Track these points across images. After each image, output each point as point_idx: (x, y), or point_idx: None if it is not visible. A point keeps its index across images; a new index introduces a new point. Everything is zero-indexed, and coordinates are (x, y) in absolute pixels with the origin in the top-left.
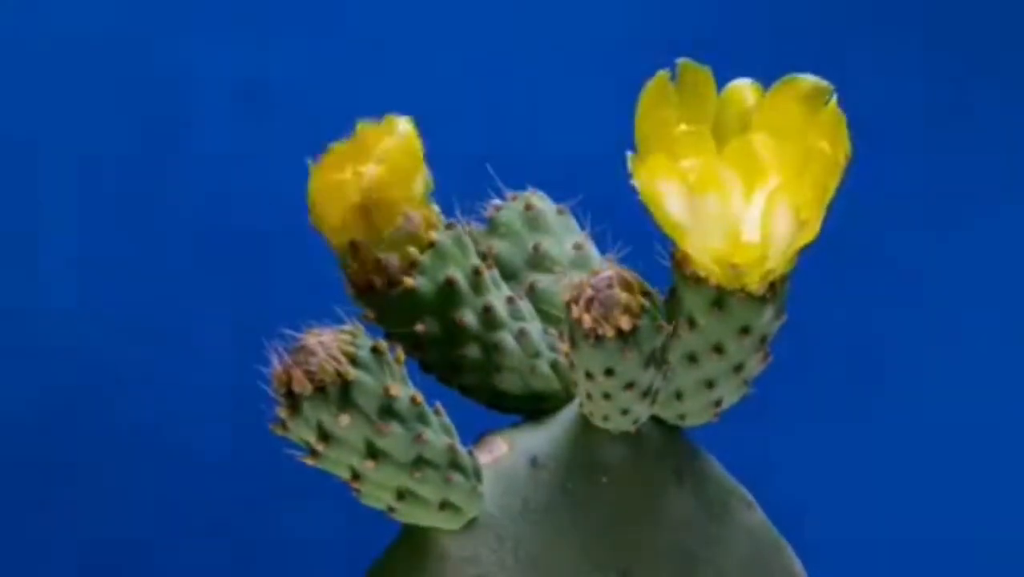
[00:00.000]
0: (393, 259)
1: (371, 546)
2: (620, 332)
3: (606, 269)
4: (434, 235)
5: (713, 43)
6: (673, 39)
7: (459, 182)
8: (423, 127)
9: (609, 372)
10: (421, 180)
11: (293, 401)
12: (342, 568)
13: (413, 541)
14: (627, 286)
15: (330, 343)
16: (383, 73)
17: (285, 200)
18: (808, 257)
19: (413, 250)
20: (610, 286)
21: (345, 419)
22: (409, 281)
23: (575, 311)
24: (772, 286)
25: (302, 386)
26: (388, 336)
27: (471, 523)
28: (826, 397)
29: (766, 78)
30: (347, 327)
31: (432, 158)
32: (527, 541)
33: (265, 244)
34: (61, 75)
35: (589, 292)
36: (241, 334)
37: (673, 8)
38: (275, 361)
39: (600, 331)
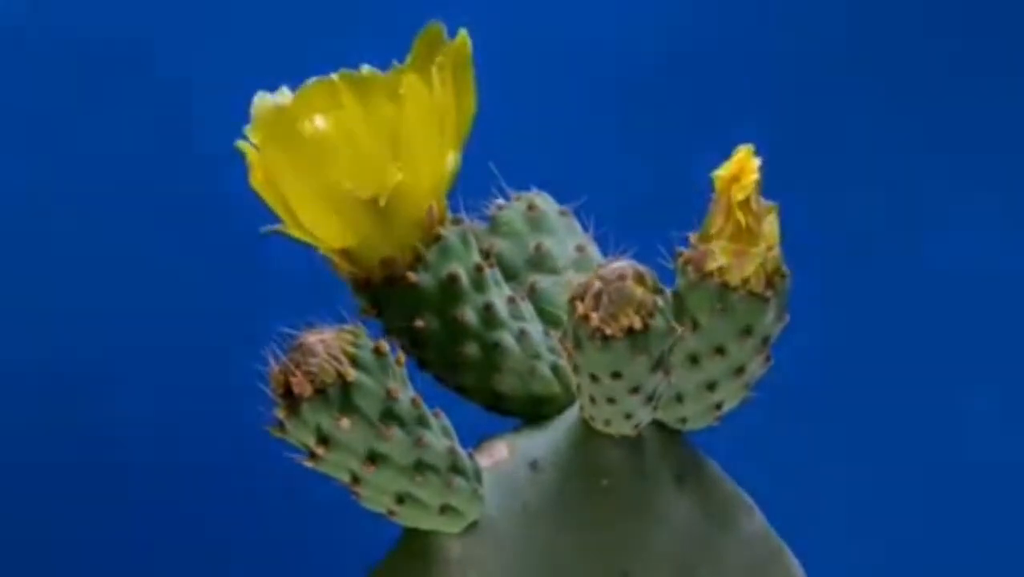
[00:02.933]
0: (398, 257)
1: (372, 549)
2: (631, 331)
3: (616, 260)
4: (440, 229)
5: (714, 47)
6: (679, 41)
7: (463, 181)
8: None
9: (616, 375)
10: (456, 155)
11: (292, 403)
12: (343, 571)
13: (414, 544)
14: (640, 279)
15: (331, 342)
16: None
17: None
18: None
19: (419, 245)
20: (621, 278)
21: (346, 423)
22: (412, 276)
23: (580, 307)
24: (772, 284)
25: (301, 387)
26: (386, 331)
27: (472, 526)
28: (828, 399)
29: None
30: (348, 326)
31: None
32: (527, 544)
33: (264, 240)
34: (63, 75)
35: (597, 285)
36: (240, 333)
37: (680, 11)
38: (273, 361)
39: (608, 331)
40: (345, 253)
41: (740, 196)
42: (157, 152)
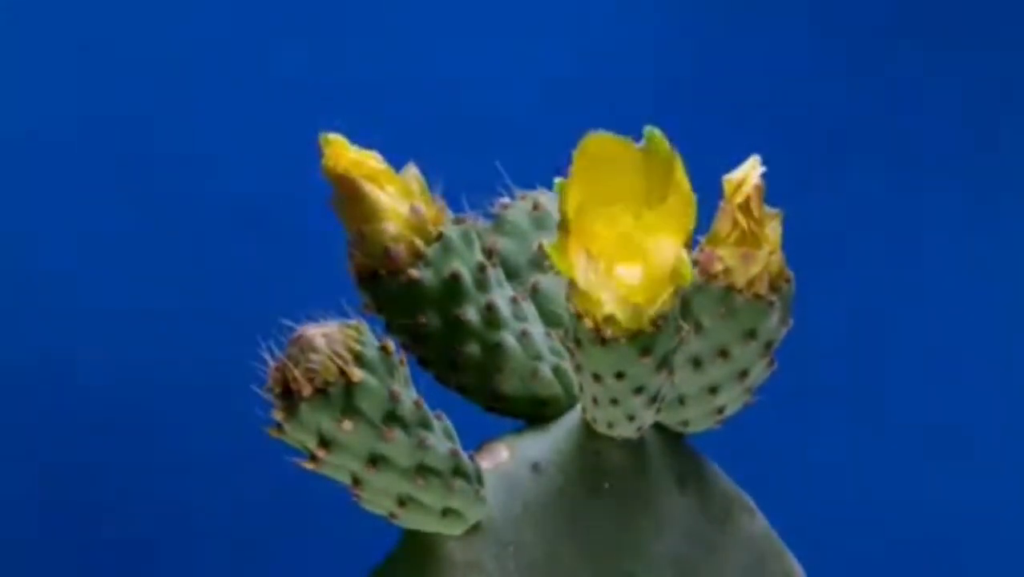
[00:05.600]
0: (400, 250)
1: (372, 551)
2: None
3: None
4: (442, 228)
5: (720, 49)
6: (686, 43)
7: (468, 180)
8: (433, 126)
9: (620, 375)
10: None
11: (289, 403)
12: (343, 573)
13: (415, 546)
14: None
15: (335, 336)
16: (392, 72)
17: (286, 193)
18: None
19: (419, 241)
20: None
21: (348, 425)
22: (414, 272)
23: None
24: (775, 288)
25: (300, 386)
26: (387, 327)
27: (473, 528)
28: (830, 401)
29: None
30: (352, 322)
31: (443, 155)
32: (528, 547)
33: (265, 239)
34: (62, 71)
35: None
36: (240, 329)
37: (685, 15)
38: (269, 357)
39: (608, 332)
40: (362, 237)
41: (739, 200)
42: (157, 145)
